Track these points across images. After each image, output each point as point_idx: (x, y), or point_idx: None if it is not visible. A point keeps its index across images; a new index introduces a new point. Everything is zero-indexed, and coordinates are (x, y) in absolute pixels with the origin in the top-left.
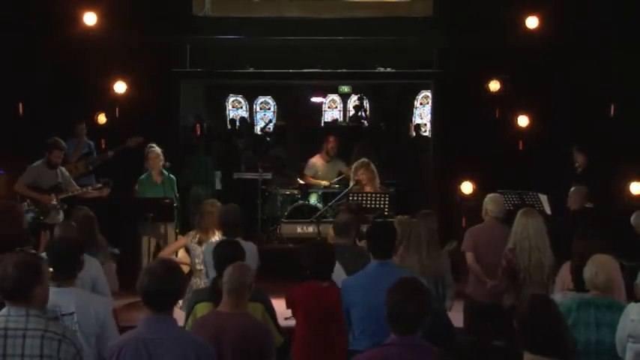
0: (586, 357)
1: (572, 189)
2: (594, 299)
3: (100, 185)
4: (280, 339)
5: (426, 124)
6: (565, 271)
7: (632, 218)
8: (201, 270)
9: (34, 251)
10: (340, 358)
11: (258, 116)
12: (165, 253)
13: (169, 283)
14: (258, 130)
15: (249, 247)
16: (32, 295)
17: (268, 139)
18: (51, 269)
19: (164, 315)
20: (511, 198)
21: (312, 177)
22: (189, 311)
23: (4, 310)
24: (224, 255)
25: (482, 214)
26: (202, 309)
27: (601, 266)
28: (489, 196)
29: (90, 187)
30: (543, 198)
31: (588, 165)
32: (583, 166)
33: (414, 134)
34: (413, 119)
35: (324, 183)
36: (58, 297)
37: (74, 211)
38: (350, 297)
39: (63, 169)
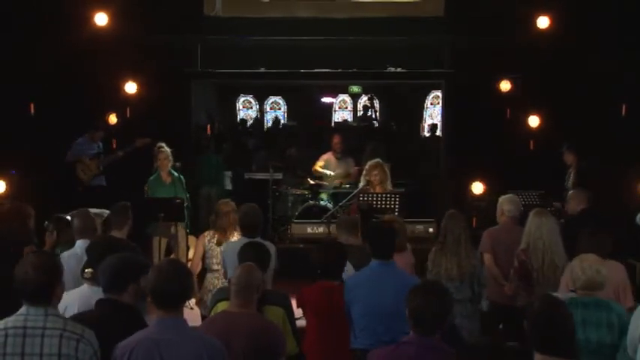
0: None
1: (571, 192)
2: (581, 298)
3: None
4: (295, 347)
5: (437, 125)
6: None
7: (638, 217)
8: (218, 270)
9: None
10: (350, 357)
11: (269, 116)
12: (194, 262)
13: (177, 283)
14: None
15: (270, 249)
16: (53, 296)
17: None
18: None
19: (175, 315)
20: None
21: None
22: (210, 309)
23: (23, 310)
24: (250, 256)
25: (498, 215)
26: (223, 307)
27: (591, 265)
28: (505, 196)
29: None
30: None
31: (579, 164)
32: (574, 165)
33: (430, 134)
34: (423, 119)
35: (329, 173)
36: None
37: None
38: (351, 294)
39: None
